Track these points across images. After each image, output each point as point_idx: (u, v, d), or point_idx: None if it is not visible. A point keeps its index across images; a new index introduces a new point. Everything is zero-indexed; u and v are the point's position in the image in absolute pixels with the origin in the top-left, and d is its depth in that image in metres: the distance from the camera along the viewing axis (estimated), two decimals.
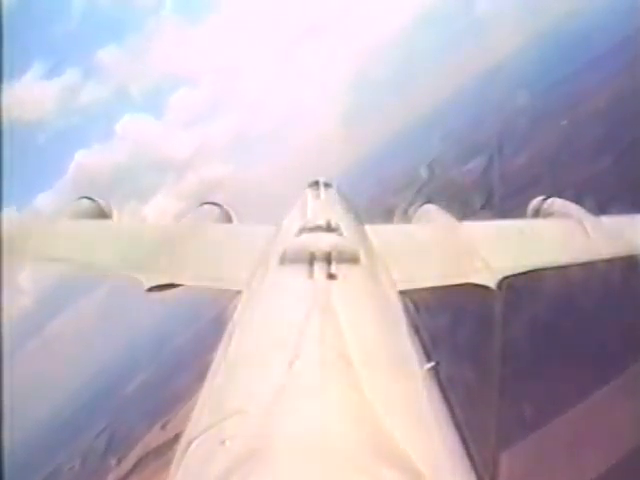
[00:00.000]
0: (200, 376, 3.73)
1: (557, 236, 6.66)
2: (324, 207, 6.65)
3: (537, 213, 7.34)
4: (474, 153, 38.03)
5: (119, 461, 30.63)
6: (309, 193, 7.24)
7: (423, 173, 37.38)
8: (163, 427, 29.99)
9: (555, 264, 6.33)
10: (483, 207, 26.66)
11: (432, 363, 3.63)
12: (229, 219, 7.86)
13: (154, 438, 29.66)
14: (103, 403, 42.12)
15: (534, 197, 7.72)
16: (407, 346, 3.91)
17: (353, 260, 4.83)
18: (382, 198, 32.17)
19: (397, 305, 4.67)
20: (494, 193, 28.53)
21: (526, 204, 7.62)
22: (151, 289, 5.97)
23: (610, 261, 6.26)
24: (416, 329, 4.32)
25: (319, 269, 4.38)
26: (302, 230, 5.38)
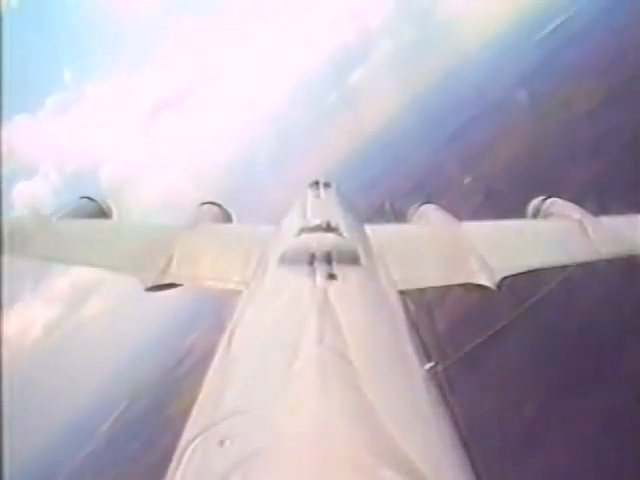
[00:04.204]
0: None
1: (557, 236, 6.63)
2: (324, 207, 6.65)
3: (537, 213, 7.31)
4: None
5: None
6: (309, 193, 7.24)
7: None
8: None
9: (555, 264, 6.32)
10: None
11: (432, 363, 3.63)
12: (229, 219, 7.86)
13: None
14: None
15: None
16: (407, 346, 3.91)
17: (353, 260, 4.83)
18: None
19: (397, 305, 4.67)
20: None
21: None
22: (151, 289, 5.98)
23: (610, 261, 6.25)
24: (416, 329, 4.32)
25: (319, 269, 4.38)
26: (302, 230, 5.37)
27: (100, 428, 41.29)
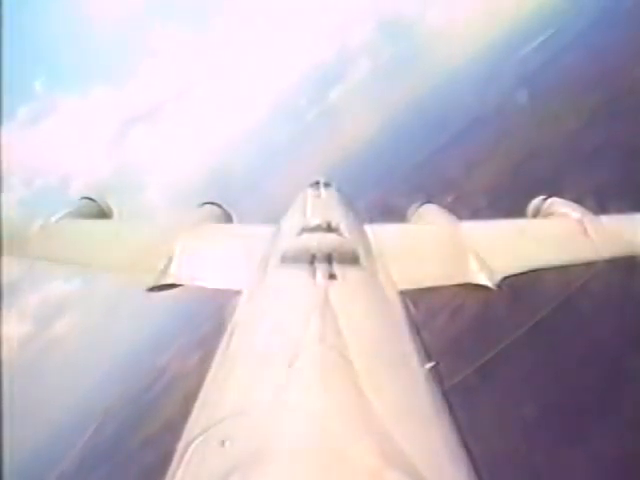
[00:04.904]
0: None
1: (557, 236, 6.63)
2: (324, 207, 6.64)
3: (537, 213, 7.31)
4: None
5: None
6: (309, 193, 7.22)
7: None
8: None
9: (555, 264, 6.31)
10: None
11: (432, 363, 3.63)
12: (229, 219, 7.85)
13: None
14: None
15: None
16: (407, 346, 3.91)
17: (353, 260, 4.83)
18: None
19: (397, 305, 4.66)
20: None
21: None
22: (152, 289, 5.97)
23: (610, 261, 6.25)
24: (416, 329, 4.32)
25: (319, 269, 4.38)
26: (303, 230, 5.37)
27: (72, 448, 40.75)
